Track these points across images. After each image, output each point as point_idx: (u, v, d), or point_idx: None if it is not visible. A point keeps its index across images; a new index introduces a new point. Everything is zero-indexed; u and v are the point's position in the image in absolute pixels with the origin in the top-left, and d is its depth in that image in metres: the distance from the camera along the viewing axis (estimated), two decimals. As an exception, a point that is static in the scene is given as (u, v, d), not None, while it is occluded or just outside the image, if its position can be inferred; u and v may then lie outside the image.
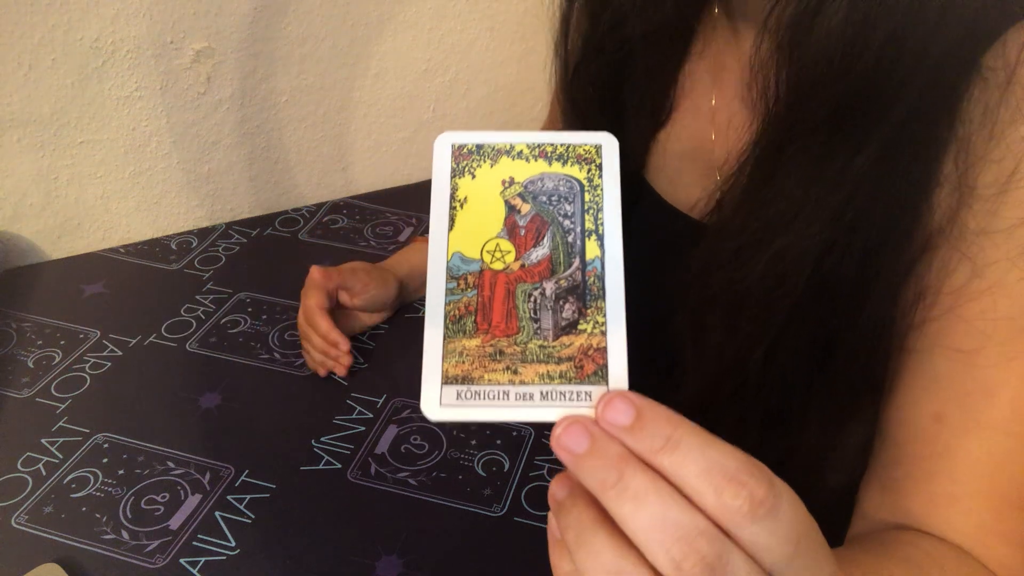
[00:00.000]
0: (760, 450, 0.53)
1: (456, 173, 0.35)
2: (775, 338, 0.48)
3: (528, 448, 0.67)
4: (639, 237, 0.59)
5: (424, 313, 0.32)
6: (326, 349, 0.73)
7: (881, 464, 0.47)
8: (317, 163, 1.07)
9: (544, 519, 0.61)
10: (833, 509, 0.50)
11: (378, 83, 1.05)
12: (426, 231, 0.91)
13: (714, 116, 0.56)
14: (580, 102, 0.61)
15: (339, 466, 0.66)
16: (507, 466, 0.66)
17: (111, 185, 0.95)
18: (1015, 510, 0.42)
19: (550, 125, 0.83)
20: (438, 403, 0.31)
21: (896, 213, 0.43)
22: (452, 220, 0.34)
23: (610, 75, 0.58)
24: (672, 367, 0.55)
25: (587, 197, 0.34)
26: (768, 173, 0.46)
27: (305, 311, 0.74)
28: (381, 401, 0.72)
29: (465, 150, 0.35)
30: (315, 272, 0.73)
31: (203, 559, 0.58)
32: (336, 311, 0.76)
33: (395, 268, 0.81)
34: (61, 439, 0.68)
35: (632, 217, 0.62)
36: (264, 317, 0.82)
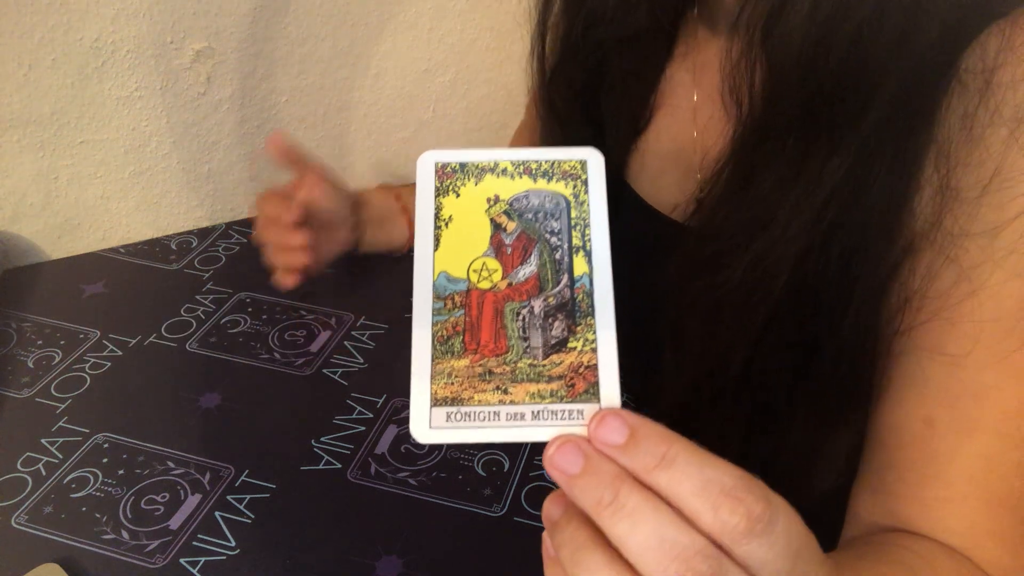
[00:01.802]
0: (745, 455, 0.53)
1: (440, 192, 0.34)
2: (755, 342, 0.48)
3: (528, 448, 0.67)
4: (620, 240, 0.59)
5: (411, 321, 0.32)
6: (282, 238, 0.69)
7: (872, 468, 0.47)
8: (317, 163, 1.07)
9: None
10: (821, 514, 0.50)
11: (378, 83, 1.05)
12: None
13: (695, 117, 0.56)
14: (558, 105, 0.60)
15: (339, 466, 0.66)
16: (507, 466, 0.66)
17: (111, 185, 0.95)
18: (1007, 511, 0.42)
19: (524, 131, 0.83)
20: (428, 425, 0.31)
21: (876, 217, 0.43)
22: (437, 240, 0.33)
23: (587, 78, 0.58)
24: (653, 371, 0.55)
25: (573, 213, 0.34)
26: (745, 176, 0.46)
27: (257, 207, 0.71)
28: (381, 401, 0.72)
29: (449, 168, 0.35)
30: (276, 139, 0.69)
31: (203, 559, 0.58)
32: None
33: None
34: (61, 439, 0.68)
35: (612, 219, 0.61)
36: (264, 317, 0.82)
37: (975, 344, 0.41)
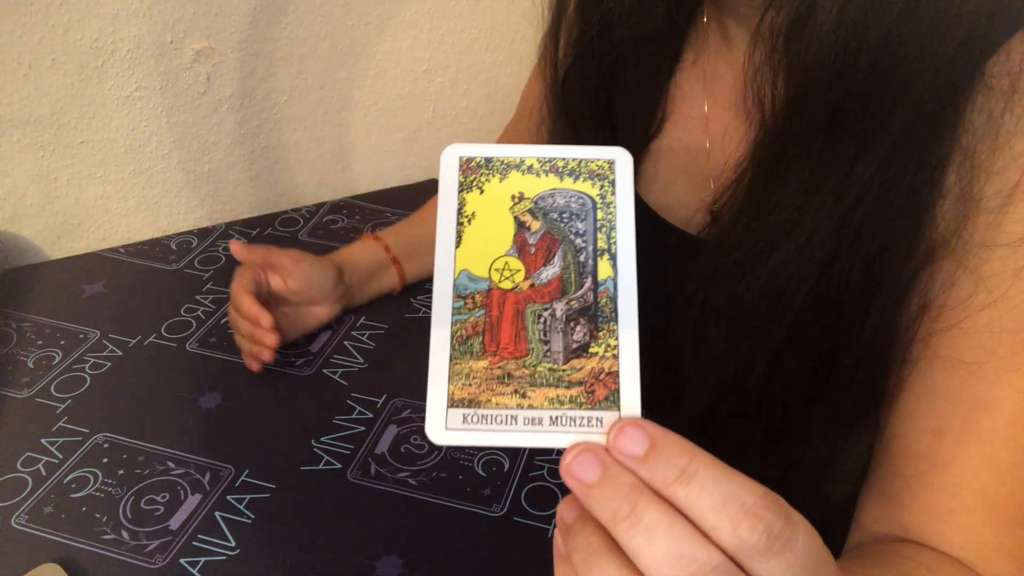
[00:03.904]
0: (762, 464, 0.52)
1: (464, 187, 0.33)
2: (777, 351, 0.47)
3: (528, 448, 0.67)
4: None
5: (431, 319, 0.31)
6: (250, 330, 0.70)
7: (880, 476, 0.47)
8: (317, 163, 1.07)
9: (544, 519, 0.61)
10: (836, 524, 0.50)
11: (378, 83, 1.05)
12: (376, 228, 0.90)
13: (708, 126, 0.55)
14: (571, 108, 0.60)
15: (339, 466, 0.66)
16: (507, 466, 0.66)
17: (111, 185, 0.95)
18: (1015, 525, 0.42)
19: (515, 124, 0.82)
20: (444, 426, 0.30)
21: (899, 224, 0.42)
22: (459, 236, 0.33)
23: (600, 81, 0.57)
24: (673, 381, 0.54)
25: (599, 215, 0.33)
26: (767, 182, 0.46)
27: (231, 295, 0.71)
28: (381, 401, 0.72)
29: (473, 163, 0.34)
30: (234, 245, 0.70)
31: (203, 559, 0.58)
32: (276, 309, 0.74)
33: (332, 257, 0.78)
34: (61, 439, 0.68)
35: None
36: (264, 317, 0.82)
37: (989, 355, 0.41)
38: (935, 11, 0.38)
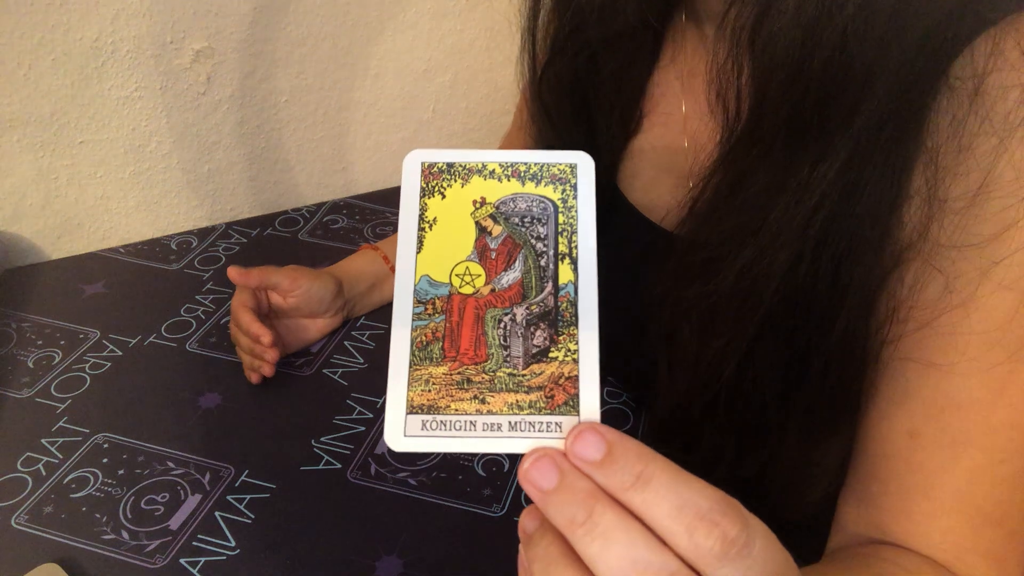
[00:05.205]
0: (738, 464, 0.52)
1: (425, 192, 0.33)
2: (748, 351, 0.47)
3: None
4: (613, 248, 0.58)
5: (391, 325, 0.31)
6: (251, 346, 0.71)
7: (858, 478, 0.47)
8: (317, 163, 1.07)
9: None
10: (813, 524, 0.50)
11: (378, 83, 1.05)
12: (376, 228, 0.89)
13: (686, 125, 0.55)
14: (550, 105, 0.60)
15: (339, 466, 0.66)
16: (507, 466, 0.66)
17: (111, 185, 0.95)
18: (992, 526, 0.42)
19: (511, 137, 0.82)
20: (402, 433, 0.30)
21: (866, 226, 0.42)
22: (420, 242, 0.33)
23: (576, 78, 0.57)
24: (650, 378, 0.54)
25: (561, 219, 0.33)
26: (733, 182, 0.46)
27: (231, 311, 0.72)
28: (381, 401, 0.72)
29: (435, 168, 0.34)
30: (231, 271, 0.71)
31: (203, 559, 0.58)
32: (279, 323, 0.75)
33: (332, 270, 0.79)
34: (61, 439, 0.68)
35: (605, 227, 0.60)
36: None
37: (960, 356, 0.41)
38: (893, 12, 0.38)
